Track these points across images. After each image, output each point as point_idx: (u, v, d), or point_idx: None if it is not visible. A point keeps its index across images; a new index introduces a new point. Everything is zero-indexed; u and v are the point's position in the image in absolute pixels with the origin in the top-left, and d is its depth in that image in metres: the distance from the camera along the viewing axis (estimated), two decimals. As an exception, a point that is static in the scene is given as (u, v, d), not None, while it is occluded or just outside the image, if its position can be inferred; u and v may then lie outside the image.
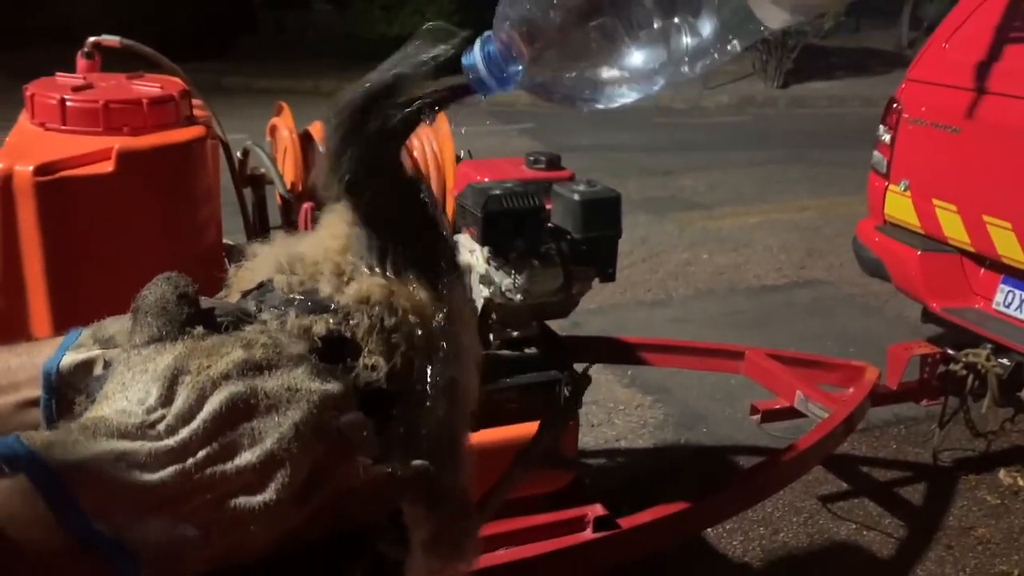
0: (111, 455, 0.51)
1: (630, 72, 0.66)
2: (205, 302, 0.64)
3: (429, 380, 0.66)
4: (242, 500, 0.54)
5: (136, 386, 0.55)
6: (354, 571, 0.63)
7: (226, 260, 2.17)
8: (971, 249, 3.58)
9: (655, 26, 0.64)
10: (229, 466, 0.54)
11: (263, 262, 0.69)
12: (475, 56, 0.68)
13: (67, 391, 0.64)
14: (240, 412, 0.54)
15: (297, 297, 0.64)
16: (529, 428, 2.05)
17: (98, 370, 0.63)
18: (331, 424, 0.57)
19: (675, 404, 3.88)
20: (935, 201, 3.69)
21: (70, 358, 0.64)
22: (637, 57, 0.65)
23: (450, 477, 0.68)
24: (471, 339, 0.70)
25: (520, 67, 0.67)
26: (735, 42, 0.65)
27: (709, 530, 3.01)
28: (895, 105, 3.89)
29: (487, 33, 0.68)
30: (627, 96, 0.68)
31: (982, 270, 3.65)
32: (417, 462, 0.63)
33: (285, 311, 0.63)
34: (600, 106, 0.69)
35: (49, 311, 1.57)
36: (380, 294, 0.65)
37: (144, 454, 0.52)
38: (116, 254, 1.62)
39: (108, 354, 0.63)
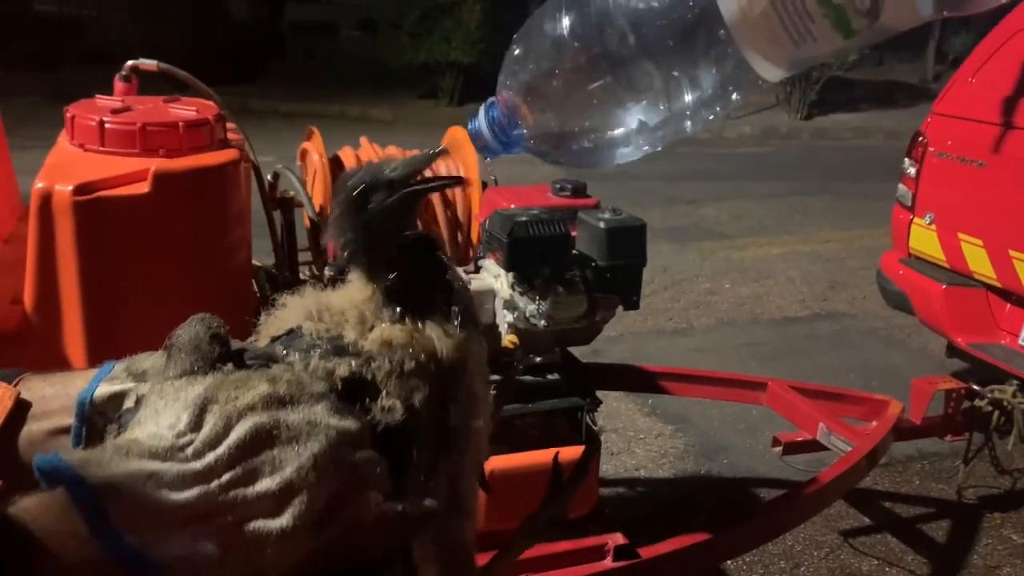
0: (142, 474, 0.54)
1: (632, 131, 0.67)
2: (235, 344, 0.68)
3: (442, 426, 0.69)
4: (260, 524, 0.57)
5: (168, 412, 0.59)
6: None
7: (254, 282, 2.20)
8: (997, 284, 3.56)
9: (655, 85, 0.65)
10: (250, 491, 0.57)
11: (292, 311, 0.72)
12: (480, 122, 0.70)
13: (98, 420, 0.67)
14: (263, 441, 0.58)
15: (323, 343, 0.68)
16: (550, 455, 2.05)
17: (129, 402, 0.66)
18: (347, 459, 0.60)
19: (696, 434, 3.86)
20: (960, 235, 3.67)
21: (104, 389, 0.67)
22: (639, 116, 0.66)
23: (454, 523, 0.71)
24: (484, 390, 0.73)
25: (524, 131, 0.68)
26: (735, 95, 0.66)
27: (729, 563, 2.99)
28: (921, 138, 3.89)
29: (490, 99, 0.70)
30: (631, 155, 0.69)
31: (1008, 305, 3.61)
32: (428, 501, 0.65)
33: (310, 354, 0.66)
34: (605, 165, 0.70)
35: (83, 328, 1.59)
36: (402, 340, 0.68)
37: (172, 475, 0.55)
38: (150, 273, 1.64)
39: (140, 388, 0.66)
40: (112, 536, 0.51)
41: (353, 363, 0.66)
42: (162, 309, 1.65)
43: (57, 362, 1.59)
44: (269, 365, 0.66)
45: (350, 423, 0.61)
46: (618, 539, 2.14)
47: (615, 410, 3.93)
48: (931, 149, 3.83)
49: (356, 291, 0.73)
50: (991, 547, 3.22)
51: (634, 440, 3.77)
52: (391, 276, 0.71)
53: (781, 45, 0.60)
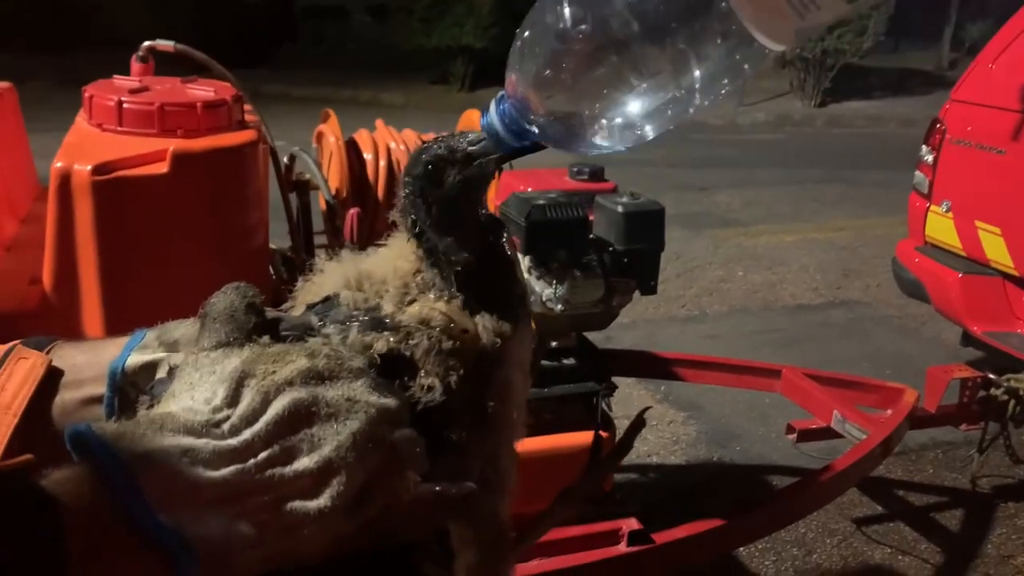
0: (176, 449, 0.53)
1: (644, 112, 0.66)
2: (270, 313, 0.66)
3: (479, 407, 0.67)
4: (298, 504, 0.55)
5: (203, 386, 0.57)
6: None
7: (270, 266, 2.20)
8: (1014, 272, 3.53)
9: (663, 63, 0.64)
10: (288, 470, 0.55)
11: (330, 277, 0.70)
12: (492, 116, 0.69)
13: (130, 390, 0.66)
14: (301, 418, 0.56)
15: (360, 314, 0.66)
16: (565, 439, 2.05)
17: (161, 373, 0.65)
18: (386, 437, 0.58)
19: (708, 421, 3.85)
20: (978, 223, 3.64)
21: (136, 358, 0.66)
22: (649, 96, 0.66)
23: (491, 503, 0.69)
24: (524, 381, 0.72)
25: (536, 120, 0.68)
26: (745, 65, 0.65)
27: (742, 549, 2.98)
28: (939, 125, 3.86)
29: (501, 92, 0.69)
30: (644, 136, 0.68)
31: (1025, 294, 3.59)
32: (465, 484, 0.64)
33: (348, 326, 0.64)
34: (620, 149, 0.70)
35: (101, 306, 1.60)
36: (440, 320, 0.66)
37: (208, 451, 0.53)
38: (168, 253, 1.65)
39: (173, 358, 0.65)
40: (145, 513, 0.49)
41: (392, 338, 0.64)
42: (179, 289, 1.64)
43: (75, 338, 1.59)
44: (305, 338, 0.64)
45: (390, 401, 0.60)
46: (632, 524, 2.14)
47: (627, 396, 3.92)
48: (949, 136, 3.80)
49: (400, 259, 0.70)
50: (1005, 536, 3.20)
51: (647, 427, 3.76)
52: (462, 256, 0.68)
53: (785, 17, 0.59)
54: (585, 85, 0.65)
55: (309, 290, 0.72)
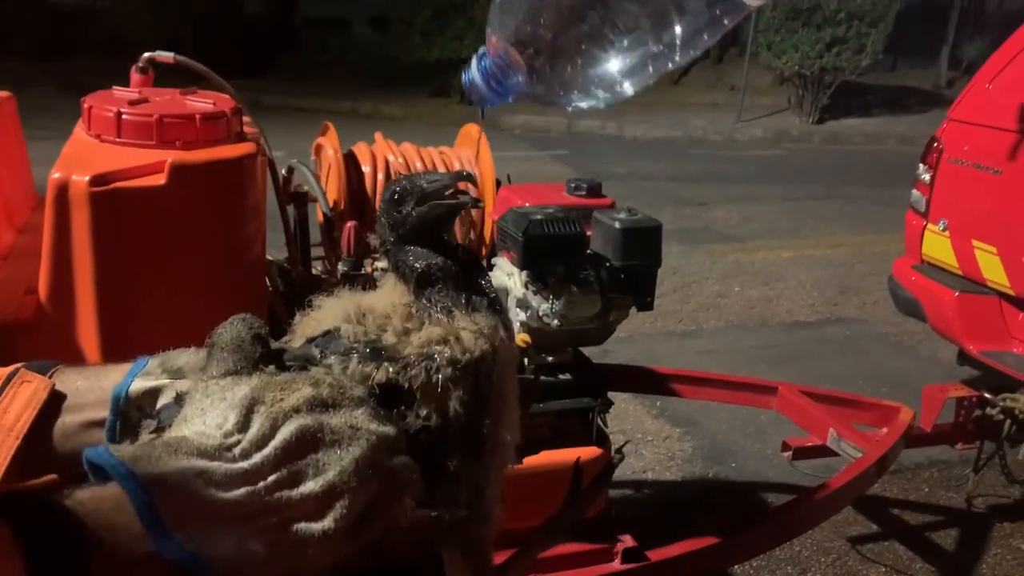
0: (191, 472, 0.55)
1: (624, 68, 0.67)
2: (274, 345, 0.69)
3: (473, 434, 0.70)
4: (303, 526, 0.58)
5: (214, 411, 0.60)
6: None
7: (267, 279, 2.20)
8: (1010, 292, 3.54)
9: (643, 19, 0.65)
10: (295, 492, 0.58)
11: (329, 312, 0.74)
12: (472, 73, 0.71)
13: (133, 414, 0.68)
14: (307, 444, 0.59)
15: (360, 346, 0.69)
16: (560, 455, 2.04)
17: (165, 399, 0.67)
18: (385, 464, 0.61)
19: (704, 437, 3.85)
20: (975, 242, 3.65)
21: (139, 384, 0.69)
22: (629, 51, 0.66)
23: (479, 532, 0.73)
24: (514, 394, 0.75)
25: (517, 77, 0.69)
26: (726, 21, 0.65)
27: (736, 567, 2.98)
28: (936, 144, 3.87)
29: (481, 49, 0.70)
30: (623, 92, 0.69)
31: (1021, 313, 3.59)
32: (459, 510, 0.67)
33: (348, 357, 0.67)
34: (599, 105, 0.71)
35: (97, 318, 1.59)
36: (440, 335, 0.69)
37: (221, 474, 0.56)
38: (165, 265, 1.64)
39: (178, 384, 0.67)
40: (163, 533, 0.52)
41: (391, 369, 0.67)
42: (176, 301, 1.65)
43: (70, 352, 1.59)
44: (307, 367, 0.66)
45: (389, 429, 0.62)
46: (627, 541, 2.13)
47: (623, 412, 3.92)
48: (946, 155, 3.81)
49: (395, 294, 0.75)
50: (1000, 557, 3.20)
51: (642, 442, 3.76)
52: (420, 267, 0.73)
53: None
54: (565, 41, 0.66)
55: (307, 324, 0.76)
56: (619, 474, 3.45)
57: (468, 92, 0.73)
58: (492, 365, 0.71)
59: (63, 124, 1.86)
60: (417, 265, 0.73)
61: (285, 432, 0.58)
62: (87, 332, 1.60)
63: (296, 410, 0.59)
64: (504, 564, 0.92)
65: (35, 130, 2.67)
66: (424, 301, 0.73)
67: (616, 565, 2.08)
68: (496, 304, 0.75)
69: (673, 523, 3.03)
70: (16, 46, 11.45)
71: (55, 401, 0.70)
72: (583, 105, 0.72)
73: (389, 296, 0.75)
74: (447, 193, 0.73)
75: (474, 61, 0.72)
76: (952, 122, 3.87)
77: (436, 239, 0.75)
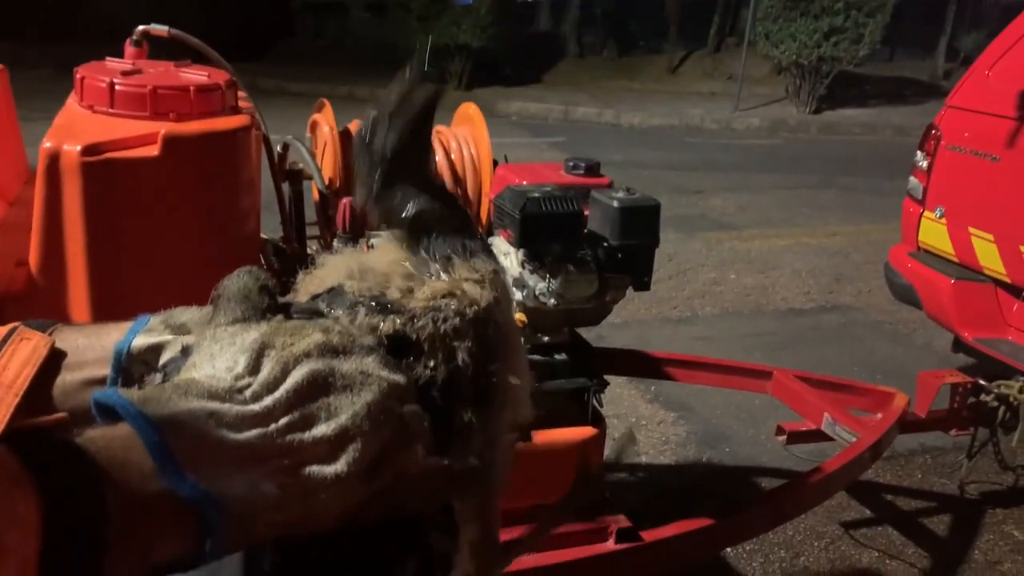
0: (202, 412, 0.55)
1: None
2: (280, 299, 0.68)
3: (483, 383, 0.69)
4: (316, 469, 0.57)
5: (224, 356, 0.59)
6: (407, 560, 0.66)
7: (261, 256, 2.18)
8: (1007, 280, 3.53)
9: None
10: (307, 435, 0.57)
11: (332, 269, 0.73)
12: None
13: (135, 369, 0.67)
14: (319, 387, 0.58)
15: (366, 300, 0.68)
16: (556, 434, 2.04)
17: (170, 353, 0.66)
18: (396, 411, 0.61)
19: (698, 422, 3.85)
20: (971, 229, 3.65)
21: (141, 340, 0.68)
22: None
23: (488, 479, 0.71)
24: (518, 338, 0.75)
25: None
26: None
27: (729, 551, 2.98)
28: (934, 131, 3.86)
29: None
30: None
31: (1017, 301, 3.59)
32: (471, 459, 0.67)
33: (356, 310, 0.67)
34: None
35: (88, 290, 1.58)
36: (445, 289, 0.69)
37: (232, 415, 0.56)
38: (157, 237, 1.62)
39: (184, 339, 0.66)
40: (176, 472, 0.51)
41: (398, 320, 0.66)
42: (168, 274, 1.63)
43: (61, 322, 1.57)
44: (315, 319, 0.66)
45: (399, 377, 0.62)
46: (621, 522, 2.13)
47: (617, 396, 3.91)
48: (944, 142, 3.80)
49: (392, 252, 0.73)
50: (992, 543, 3.20)
51: (636, 426, 3.76)
52: (411, 211, 0.71)
53: None
54: None
55: (311, 281, 0.75)
56: (613, 458, 3.46)
57: None
58: (497, 313, 0.70)
59: (58, 106, 1.84)
60: (408, 210, 0.71)
61: (296, 376, 0.58)
62: (78, 303, 1.58)
63: (307, 355, 0.59)
64: (516, 540, 0.92)
65: (30, 111, 2.65)
66: (422, 253, 0.71)
67: (610, 545, 2.08)
68: (487, 245, 0.74)
69: (667, 507, 3.03)
70: (11, 28, 11.35)
71: (55, 358, 0.69)
72: None
73: (386, 255, 0.74)
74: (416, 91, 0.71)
75: None
76: (951, 109, 3.86)
77: (423, 163, 0.73)
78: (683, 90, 13.64)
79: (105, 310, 1.60)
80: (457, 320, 0.67)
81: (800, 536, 3.13)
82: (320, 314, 0.67)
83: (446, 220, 0.73)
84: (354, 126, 2.50)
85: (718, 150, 9.90)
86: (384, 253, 0.74)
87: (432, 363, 0.66)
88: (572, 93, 12.74)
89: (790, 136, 11.36)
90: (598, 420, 2.18)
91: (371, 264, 0.73)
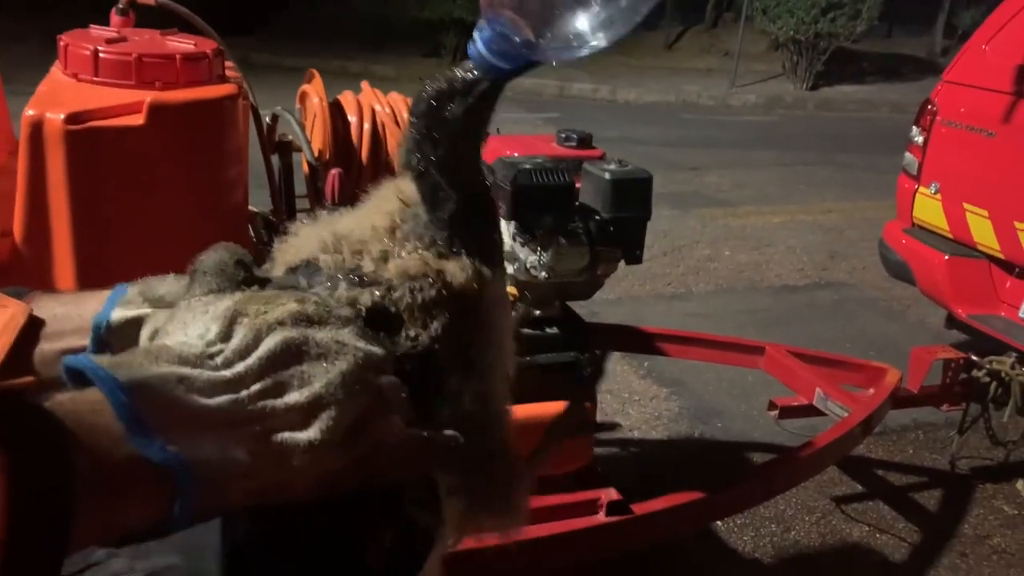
0: (173, 377, 0.54)
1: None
2: (258, 273, 0.68)
3: (464, 354, 0.69)
4: (288, 436, 0.57)
5: (196, 324, 0.59)
6: (386, 531, 0.66)
7: (250, 227, 2.16)
8: (1000, 256, 3.53)
9: None
10: (279, 402, 0.57)
11: (307, 240, 0.72)
12: (479, 47, 0.69)
13: (114, 343, 0.67)
14: (292, 355, 0.58)
15: (343, 275, 0.68)
16: (548, 407, 2.03)
17: (147, 330, 0.66)
18: (372, 381, 0.60)
19: (691, 397, 3.85)
20: (966, 205, 3.63)
21: (120, 313, 0.67)
22: None
23: (491, 441, 0.72)
24: (507, 321, 0.75)
25: (526, 38, 0.67)
26: None
27: (720, 525, 2.99)
28: (930, 106, 3.84)
29: (479, 22, 0.69)
30: (636, 14, 0.67)
31: (1010, 278, 3.59)
32: (449, 432, 0.66)
33: (334, 284, 0.67)
34: (604, 45, 0.69)
35: (73, 259, 1.56)
36: (420, 268, 0.68)
37: (202, 380, 0.55)
38: (143, 207, 1.61)
39: (161, 314, 0.66)
40: (145, 435, 0.51)
41: (376, 292, 0.66)
42: (154, 243, 1.61)
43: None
44: (290, 291, 0.65)
45: (376, 348, 0.61)
46: (611, 494, 2.13)
47: (610, 372, 3.91)
48: (940, 117, 3.78)
49: (377, 215, 0.72)
50: (982, 517, 3.22)
51: (628, 402, 3.76)
52: (459, 194, 0.69)
53: None
54: None
55: (287, 251, 0.75)
56: (605, 433, 3.47)
57: (475, 66, 0.69)
58: (478, 302, 0.70)
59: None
60: (450, 201, 0.69)
61: (269, 343, 0.57)
62: (63, 273, 1.57)
63: (280, 323, 0.58)
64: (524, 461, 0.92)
65: (17, 84, 2.60)
66: (426, 234, 0.70)
67: (601, 517, 2.08)
68: (499, 247, 0.74)
69: (658, 480, 3.03)
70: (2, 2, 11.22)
71: (33, 327, 0.68)
72: (593, 49, 0.70)
73: (369, 218, 0.72)
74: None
75: (476, 34, 0.70)
76: (947, 84, 3.83)
77: (477, 147, 0.70)
78: (679, 66, 13.56)
79: (91, 280, 1.58)
80: (433, 292, 0.67)
81: (791, 510, 3.14)
82: (298, 289, 0.67)
83: (479, 213, 0.71)
84: (345, 98, 2.48)
85: (714, 126, 9.86)
86: (365, 215, 0.73)
87: (411, 334, 0.66)
88: (567, 68, 12.64)
89: (786, 113, 11.31)
90: (589, 394, 2.18)
91: (345, 230, 0.72)
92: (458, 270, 0.69)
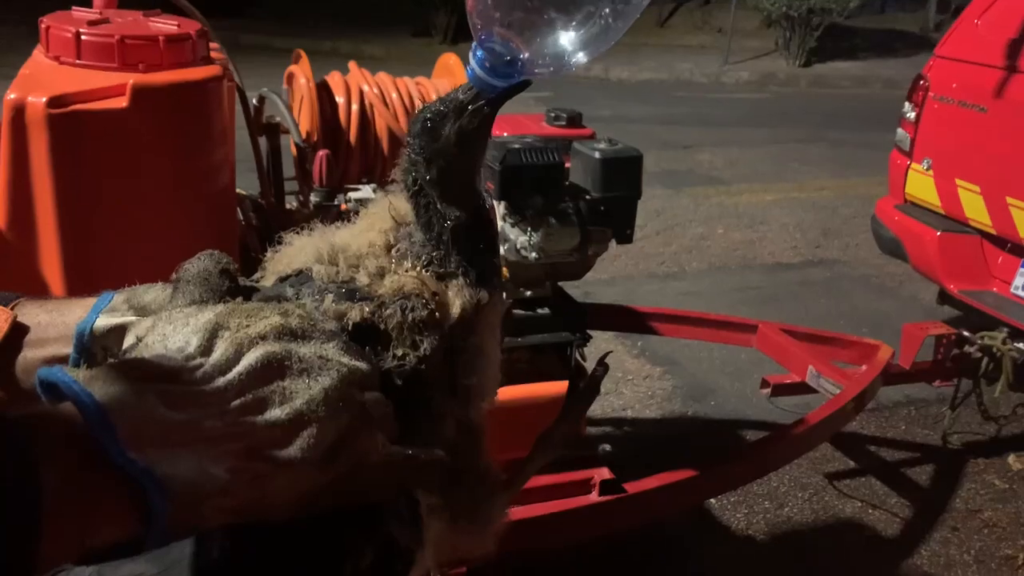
0: (148, 392, 0.53)
1: (607, 9, 0.67)
2: (244, 282, 0.69)
3: (451, 376, 0.70)
4: (268, 453, 0.56)
5: (176, 337, 0.58)
6: (365, 550, 0.66)
7: (239, 210, 2.15)
8: (992, 231, 3.53)
9: None
10: (260, 419, 0.56)
11: (301, 250, 0.72)
12: (473, 68, 0.71)
13: (98, 352, 0.66)
14: (274, 371, 0.57)
15: (335, 287, 0.68)
16: (540, 388, 2.03)
17: (131, 339, 0.65)
18: (356, 397, 0.59)
19: (684, 376, 3.86)
20: (958, 181, 3.63)
21: (104, 321, 0.67)
22: None
23: (470, 463, 0.73)
24: (495, 348, 0.75)
25: (522, 56, 0.68)
26: None
27: (714, 502, 3.00)
28: (922, 82, 3.82)
29: (473, 45, 0.70)
30: (621, 28, 0.69)
31: (1002, 253, 3.59)
32: (433, 450, 0.66)
33: (322, 296, 0.66)
34: (602, 48, 0.70)
35: (58, 244, 1.54)
36: (415, 287, 0.68)
37: (179, 395, 0.54)
38: (128, 191, 1.59)
39: (145, 322, 0.64)
40: (117, 450, 0.50)
41: (366, 308, 0.66)
42: (141, 229, 1.60)
43: (32, 281, 1.55)
44: (280, 303, 0.65)
45: (361, 363, 0.61)
46: (604, 474, 2.13)
47: (603, 352, 3.90)
48: (932, 93, 3.77)
49: (374, 232, 0.72)
50: (973, 491, 3.24)
51: (622, 381, 3.77)
52: (456, 213, 0.69)
53: None
54: (544, 5, 0.66)
55: (279, 262, 0.74)
56: (599, 412, 3.48)
57: (478, 87, 0.71)
58: (471, 328, 0.70)
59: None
60: (454, 217, 0.70)
61: (251, 358, 0.56)
62: (48, 260, 1.55)
63: (262, 337, 0.57)
64: (505, 482, 0.92)
65: (1, 67, 2.57)
66: (423, 252, 0.70)
67: (593, 497, 2.09)
68: (499, 272, 0.74)
69: (652, 459, 3.05)
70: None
71: (17, 334, 0.67)
72: (590, 56, 0.71)
73: (366, 235, 0.72)
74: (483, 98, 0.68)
75: (471, 57, 0.71)
76: (939, 59, 3.82)
77: (473, 167, 0.71)
78: (672, 43, 13.49)
79: (77, 266, 1.57)
80: (424, 313, 0.66)
81: (784, 487, 3.16)
82: (285, 299, 0.66)
83: (474, 235, 0.71)
84: (332, 78, 2.45)
85: (707, 104, 9.83)
86: (361, 231, 0.73)
87: (398, 353, 0.66)
88: (560, 47, 12.56)
89: (780, 90, 11.27)
90: (581, 374, 2.17)
91: (343, 243, 0.71)
92: (454, 293, 0.69)
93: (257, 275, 0.74)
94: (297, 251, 0.72)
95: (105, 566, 0.64)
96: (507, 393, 1.96)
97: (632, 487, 2.13)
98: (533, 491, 2.01)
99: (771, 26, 12.93)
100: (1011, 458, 3.43)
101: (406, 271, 0.69)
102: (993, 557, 2.89)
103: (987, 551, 2.92)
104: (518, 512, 1.93)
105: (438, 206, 0.70)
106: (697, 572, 2.72)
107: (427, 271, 0.69)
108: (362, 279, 0.68)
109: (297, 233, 0.74)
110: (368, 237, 0.72)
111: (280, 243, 0.74)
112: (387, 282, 0.68)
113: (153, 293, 0.68)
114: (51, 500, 0.47)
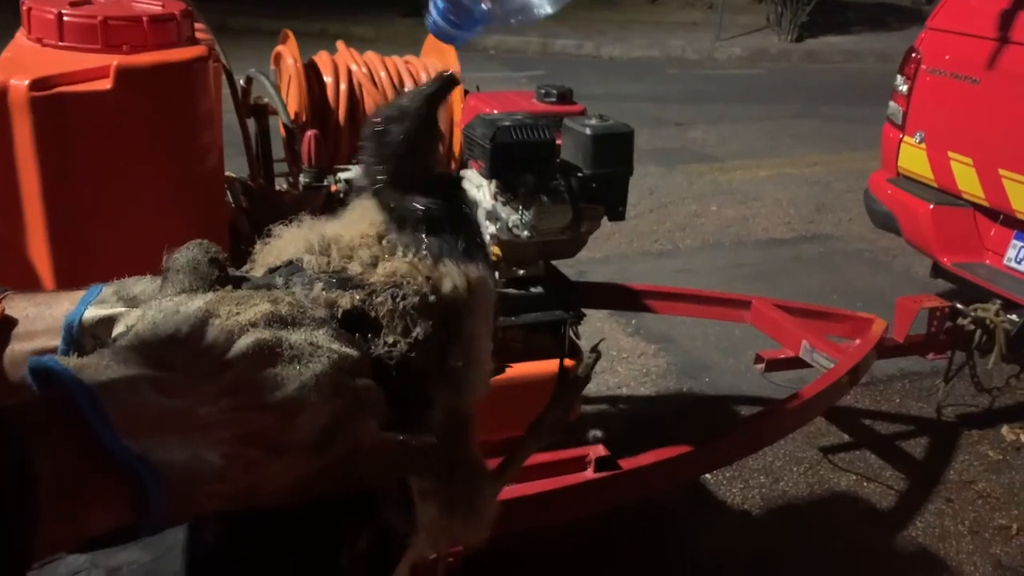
0: (141, 379, 0.53)
1: None
2: (234, 272, 0.69)
3: (443, 362, 0.70)
4: (261, 439, 0.56)
5: (167, 324, 0.58)
6: (360, 535, 0.66)
7: (228, 193, 2.13)
8: (985, 203, 3.53)
9: None
10: (252, 405, 0.56)
11: (291, 241, 0.72)
12: (434, 19, 0.72)
13: (86, 344, 0.66)
14: (265, 357, 0.57)
15: (326, 276, 0.68)
16: (533, 367, 2.03)
17: (120, 327, 0.65)
18: (347, 384, 0.59)
19: (679, 353, 3.86)
20: (950, 154, 3.62)
21: (93, 312, 0.67)
22: None
23: (460, 451, 0.74)
24: (488, 331, 0.75)
25: (484, 6, 0.69)
26: None
27: (709, 477, 3.02)
28: (914, 54, 3.80)
29: None
30: None
31: (995, 225, 3.60)
32: (425, 436, 0.66)
33: (313, 285, 0.66)
34: (552, 11, 0.71)
35: (44, 228, 1.53)
36: (407, 272, 0.69)
37: (171, 382, 0.54)
38: (115, 174, 1.57)
39: (135, 313, 0.65)
40: (111, 438, 0.50)
41: (357, 296, 0.66)
42: (128, 212, 1.59)
43: (19, 268, 1.53)
44: (269, 291, 0.65)
45: (351, 350, 0.61)
46: (599, 451, 2.14)
47: (598, 330, 3.91)
48: (924, 65, 3.75)
49: (365, 224, 0.73)
50: (967, 463, 3.26)
51: (617, 359, 3.77)
52: (418, 208, 0.71)
53: None
54: None
55: (268, 253, 0.74)
56: (594, 390, 3.48)
57: (439, 37, 0.73)
58: (465, 309, 0.70)
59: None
60: (418, 208, 0.71)
61: (241, 344, 0.56)
62: (36, 242, 1.54)
63: (253, 324, 0.57)
64: (496, 471, 0.93)
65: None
66: (408, 240, 0.71)
67: (589, 474, 2.09)
68: (485, 252, 0.75)
69: (647, 436, 3.05)
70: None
71: (5, 327, 0.68)
72: (540, 11, 0.70)
73: (357, 226, 0.73)
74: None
75: (431, 7, 0.71)
76: (931, 31, 3.80)
77: (430, 158, 0.73)
78: (664, 20, 13.40)
79: (64, 251, 1.56)
80: (416, 299, 0.66)
81: (780, 462, 3.17)
82: (275, 288, 0.66)
83: (448, 219, 0.72)
84: (320, 58, 2.43)
85: (700, 81, 9.78)
86: (352, 223, 0.73)
87: (390, 339, 0.66)
88: (551, 24, 12.48)
89: (772, 65, 11.21)
90: (575, 352, 2.17)
91: (335, 235, 0.72)
92: (449, 278, 0.69)
93: (246, 267, 0.74)
94: (287, 243, 0.72)
95: (99, 554, 0.63)
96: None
97: (627, 463, 2.13)
98: (529, 469, 2.01)
99: (762, 1, 12.86)
100: (1004, 429, 3.45)
101: (399, 259, 0.70)
102: (987, 527, 2.91)
103: (981, 521, 2.94)
104: (513, 490, 1.93)
105: (399, 202, 0.71)
106: (693, 547, 2.74)
107: (419, 257, 0.70)
108: (355, 268, 0.69)
109: (286, 225, 0.74)
110: (360, 228, 0.72)
111: (269, 236, 0.74)
112: (380, 268, 0.68)
113: (142, 285, 0.68)
114: (47, 488, 0.47)
